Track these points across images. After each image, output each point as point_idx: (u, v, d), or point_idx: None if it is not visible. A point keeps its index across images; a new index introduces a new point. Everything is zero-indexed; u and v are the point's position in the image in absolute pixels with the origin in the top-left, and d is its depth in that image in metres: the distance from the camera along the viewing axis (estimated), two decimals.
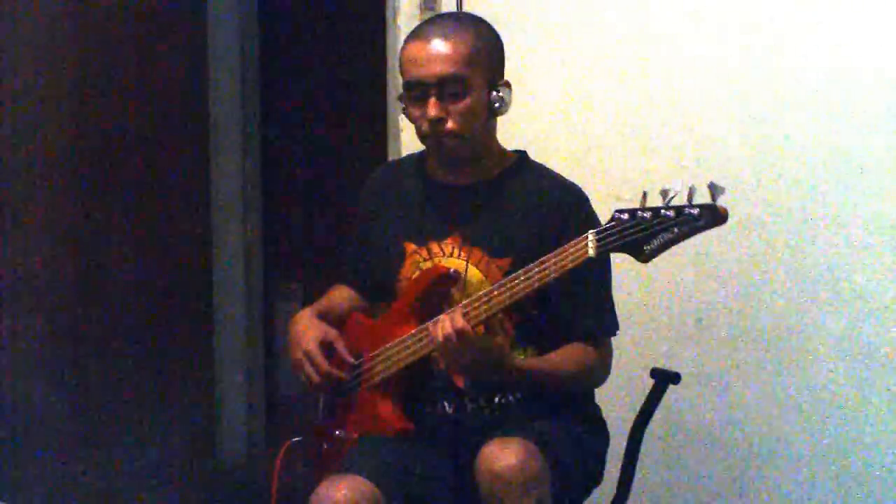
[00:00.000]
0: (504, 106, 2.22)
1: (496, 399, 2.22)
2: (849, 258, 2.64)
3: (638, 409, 2.33)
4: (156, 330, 3.66)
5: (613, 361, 2.28)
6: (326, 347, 2.28)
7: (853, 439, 2.66)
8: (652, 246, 1.90)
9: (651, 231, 1.90)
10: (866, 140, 2.61)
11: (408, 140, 2.94)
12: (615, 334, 2.27)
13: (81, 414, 3.44)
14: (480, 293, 2.07)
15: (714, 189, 1.84)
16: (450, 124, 2.17)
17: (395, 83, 2.95)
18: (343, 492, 2.03)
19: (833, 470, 2.68)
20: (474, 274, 2.21)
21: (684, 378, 2.32)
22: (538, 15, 2.95)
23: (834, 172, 2.65)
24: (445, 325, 2.03)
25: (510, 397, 2.22)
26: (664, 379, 2.31)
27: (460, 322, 2.02)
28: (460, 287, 2.19)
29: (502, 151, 2.31)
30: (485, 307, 2.05)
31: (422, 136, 2.22)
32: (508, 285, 2.04)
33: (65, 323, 3.41)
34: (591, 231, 1.96)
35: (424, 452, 2.19)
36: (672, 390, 2.32)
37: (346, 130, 4.02)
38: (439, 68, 2.16)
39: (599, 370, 2.24)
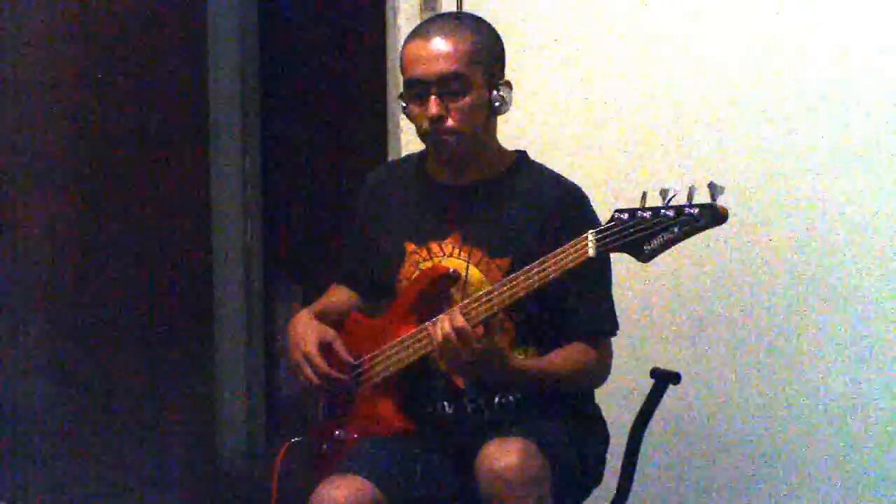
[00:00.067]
0: (504, 105, 2.22)
1: (496, 399, 2.22)
2: (849, 258, 2.64)
3: (638, 409, 2.33)
4: (156, 330, 3.66)
5: (613, 361, 2.28)
6: (325, 348, 2.27)
7: (853, 439, 2.66)
8: (652, 246, 1.90)
9: (651, 231, 1.89)
10: (867, 140, 2.61)
11: (408, 140, 2.94)
12: (615, 334, 2.27)
13: (81, 414, 3.44)
14: (480, 293, 2.07)
15: (714, 189, 1.84)
16: (450, 122, 2.17)
17: (396, 83, 2.95)
18: (343, 492, 2.04)
19: (833, 470, 2.68)
20: (474, 274, 2.21)
21: (684, 378, 2.32)
22: (538, 15, 2.95)
23: (834, 172, 2.65)
24: (444, 324, 2.03)
25: (510, 397, 2.22)
26: (664, 379, 2.31)
27: (460, 321, 2.02)
28: (460, 287, 2.19)
29: (502, 151, 2.31)
30: (485, 307, 2.05)
31: (422, 135, 2.22)
32: (508, 285, 2.04)
33: (65, 323, 3.41)
34: (591, 231, 1.96)
35: (424, 452, 2.19)
36: (672, 390, 2.32)
37: (346, 130, 4.02)
38: (440, 66, 2.16)
39: (599, 370, 2.24)
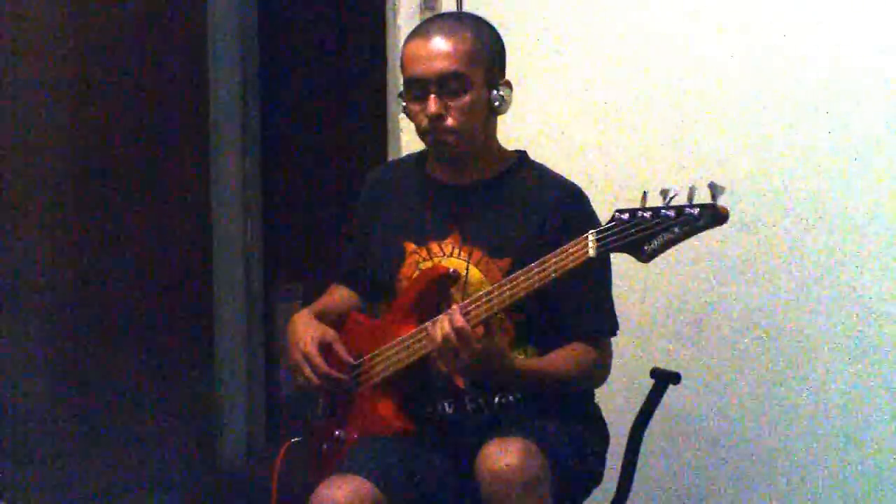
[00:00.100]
0: (504, 105, 2.22)
1: (496, 399, 2.22)
2: (849, 258, 2.64)
3: (638, 409, 2.33)
4: (156, 330, 3.66)
5: (613, 361, 2.28)
6: (325, 348, 2.27)
7: (853, 439, 2.66)
8: (652, 246, 1.90)
9: (652, 231, 1.89)
10: (867, 139, 2.61)
11: (408, 140, 2.94)
12: (615, 334, 2.27)
13: (81, 414, 3.44)
14: (480, 293, 2.07)
15: (714, 189, 1.84)
16: (449, 121, 2.17)
17: (396, 83, 2.95)
18: (343, 492, 2.03)
19: (833, 470, 2.68)
20: (474, 274, 2.21)
21: (684, 378, 2.32)
22: (538, 15, 2.95)
23: (834, 172, 2.65)
24: (444, 324, 2.03)
25: (510, 397, 2.22)
26: (664, 379, 2.31)
27: (460, 321, 2.02)
28: (460, 287, 2.19)
29: (502, 151, 2.31)
30: (485, 307, 2.05)
31: (421, 133, 2.23)
32: (508, 285, 2.04)
33: (65, 323, 3.41)
34: (591, 231, 1.96)
35: (424, 452, 2.19)
36: (672, 390, 2.32)
37: (346, 130, 4.03)
38: (440, 65, 2.16)
39: (599, 370, 2.24)
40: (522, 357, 2.20)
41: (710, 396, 2.79)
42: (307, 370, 2.26)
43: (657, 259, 1.92)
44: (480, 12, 2.39)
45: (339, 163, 4.04)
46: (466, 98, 2.17)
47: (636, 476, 2.32)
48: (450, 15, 2.42)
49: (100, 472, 3.48)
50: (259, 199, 4.17)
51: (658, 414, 2.33)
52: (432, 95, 2.16)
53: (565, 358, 2.18)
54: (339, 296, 2.44)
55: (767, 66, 2.70)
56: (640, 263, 1.93)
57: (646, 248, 1.90)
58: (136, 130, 3.59)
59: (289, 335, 2.33)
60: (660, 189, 1.90)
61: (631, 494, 2.31)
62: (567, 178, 2.29)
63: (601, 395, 2.32)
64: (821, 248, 2.66)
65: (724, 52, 2.74)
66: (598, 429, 2.30)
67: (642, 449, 2.33)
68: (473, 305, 2.06)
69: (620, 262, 2.11)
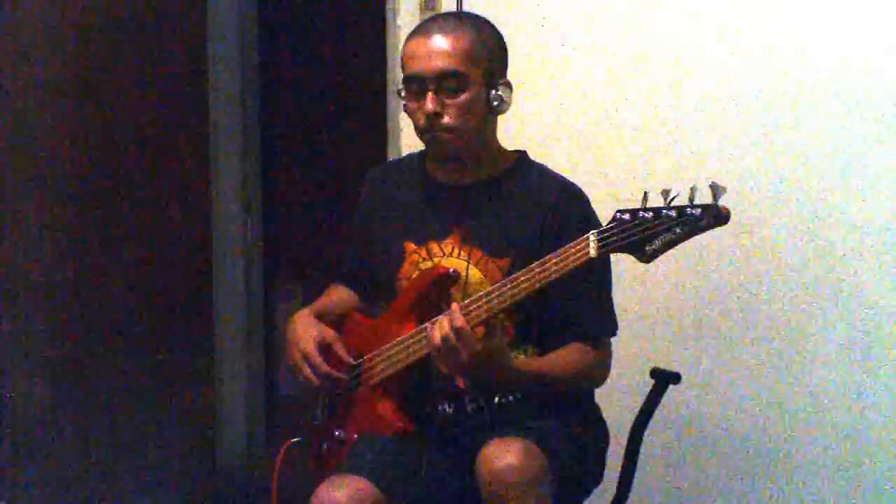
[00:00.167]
0: (503, 105, 2.22)
1: (496, 399, 2.22)
2: (849, 258, 2.64)
3: (638, 409, 2.33)
4: (156, 330, 3.66)
5: (613, 361, 2.28)
6: (325, 348, 2.27)
7: (853, 439, 2.66)
8: (654, 246, 1.90)
9: (653, 231, 1.89)
10: (867, 140, 2.62)
11: (408, 140, 2.94)
12: (615, 335, 2.27)
13: (81, 414, 3.44)
14: (480, 293, 2.07)
15: (716, 189, 1.84)
16: (446, 119, 2.17)
17: (396, 83, 2.95)
18: (343, 492, 2.04)
19: (833, 470, 2.68)
20: (474, 274, 2.21)
21: (684, 378, 2.32)
22: (538, 15, 2.95)
23: (834, 172, 2.65)
24: (444, 325, 2.03)
25: (510, 397, 2.22)
26: (664, 379, 2.31)
27: (460, 321, 2.02)
28: (460, 287, 2.19)
29: (502, 151, 2.31)
30: (485, 307, 2.05)
31: (419, 132, 2.23)
32: (509, 285, 2.04)
33: (65, 323, 3.41)
34: (592, 231, 1.96)
35: (424, 452, 2.19)
36: (672, 390, 2.32)
37: (346, 130, 4.03)
38: (438, 63, 2.16)
39: (599, 371, 2.24)
40: (522, 357, 2.20)
41: (710, 396, 2.79)
42: (307, 370, 2.26)
43: (657, 259, 1.92)
44: (480, 12, 2.39)
45: (339, 163, 4.04)
46: (464, 97, 2.17)
47: (636, 476, 2.33)
48: (452, 14, 2.42)
49: (100, 472, 3.48)
50: (259, 199, 4.17)
51: (658, 414, 2.33)
52: (430, 93, 2.17)
53: (565, 358, 2.18)
54: (339, 296, 2.44)
55: (767, 66, 2.70)
56: (640, 263, 1.94)
57: (647, 248, 1.90)
58: (136, 130, 3.59)
59: (288, 335, 2.33)
60: (660, 189, 1.90)
61: (631, 494, 2.31)
62: (567, 178, 2.29)
63: (601, 395, 2.32)
64: (820, 248, 2.66)
65: (724, 52, 2.74)
66: (598, 429, 2.30)
67: (642, 449, 2.33)
68: (474, 306, 2.06)
69: (621, 263, 2.11)
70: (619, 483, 2.31)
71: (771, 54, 2.70)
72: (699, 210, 1.86)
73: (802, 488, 2.72)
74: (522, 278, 2.02)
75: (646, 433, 2.33)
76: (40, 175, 3.33)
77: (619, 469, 2.32)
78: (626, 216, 1.92)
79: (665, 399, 2.31)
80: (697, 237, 1.89)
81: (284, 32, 4.20)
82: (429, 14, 2.93)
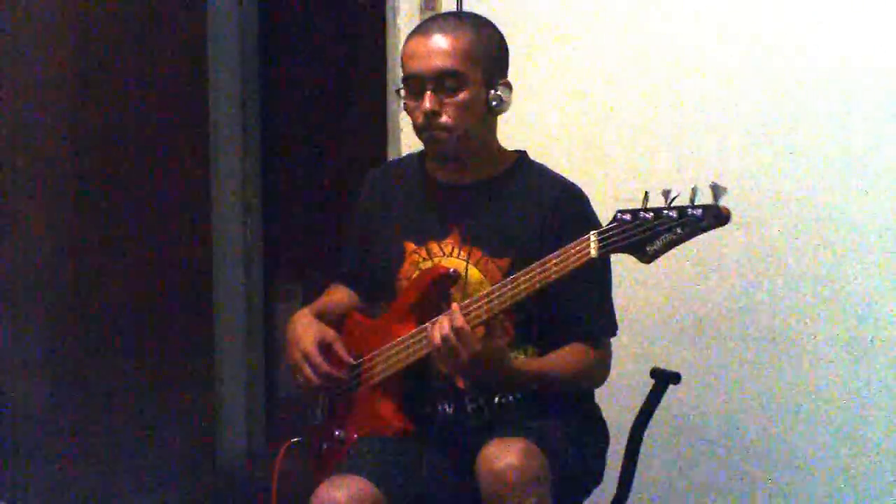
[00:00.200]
0: (502, 105, 2.22)
1: (496, 399, 2.21)
2: (849, 258, 2.64)
3: (638, 409, 2.33)
4: (156, 330, 3.66)
5: (613, 361, 2.28)
6: (325, 348, 2.27)
7: (853, 439, 2.66)
8: (655, 247, 1.90)
9: (654, 232, 1.89)
10: (867, 140, 2.61)
11: (408, 140, 2.94)
12: (615, 335, 2.27)
13: (81, 414, 3.44)
14: (481, 293, 2.07)
15: (716, 189, 1.84)
16: (444, 118, 2.17)
17: (396, 83, 2.95)
18: (343, 492, 2.03)
19: (833, 470, 2.68)
20: (474, 274, 2.21)
21: (684, 378, 2.32)
22: (538, 15, 2.95)
23: (834, 172, 2.64)
24: (444, 325, 2.03)
25: (510, 397, 2.21)
26: (664, 379, 2.31)
27: (460, 322, 2.02)
28: (460, 287, 2.19)
29: (502, 151, 2.31)
30: (485, 307, 2.05)
31: (417, 130, 2.23)
32: (509, 285, 2.04)
33: (65, 323, 3.41)
34: (593, 232, 1.96)
35: (424, 452, 2.19)
36: (672, 390, 2.32)
37: (346, 130, 4.03)
38: (436, 63, 2.16)
39: (599, 371, 2.24)
40: (522, 358, 2.20)
41: (710, 396, 2.79)
42: (307, 370, 2.26)
43: (657, 259, 1.92)
44: (480, 12, 2.39)
45: (339, 163, 4.04)
46: (462, 96, 2.17)
47: (636, 476, 2.32)
48: (452, 14, 2.42)
49: (100, 472, 3.48)
50: (259, 199, 4.17)
51: (658, 414, 2.33)
52: (428, 92, 2.17)
53: (565, 358, 2.18)
54: (339, 296, 2.44)
55: (768, 67, 2.70)
56: (640, 263, 1.93)
57: (648, 248, 1.90)
58: (136, 130, 3.59)
59: (288, 335, 2.32)
60: (661, 189, 1.90)
61: (631, 494, 2.31)
62: (567, 178, 2.30)
63: (601, 395, 2.32)
64: (820, 248, 2.66)
65: (724, 52, 2.74)
66: (598, 429, 2.30)
67: (642, 449, 2.33)
68: (474, 306, 2.06)
69: (621, 263, 2.11)
70: (619, 483, 2.31)
71: (771, 54, 2.70)
72: (700, 210, 1.86)
73: (802, 488, 2.72)
74: (522, 278, 2.02)
75: (646, 433, 2.33)
76: (40, 175, 3.34)
77: (619, 469, 2.32)
78: (627, 216, 1.92)
79: (665, 399, 2.31)
80: (697, 237, 1.89)
81: (284, 32, 4.20)
82: (429, 14, 2.94)
